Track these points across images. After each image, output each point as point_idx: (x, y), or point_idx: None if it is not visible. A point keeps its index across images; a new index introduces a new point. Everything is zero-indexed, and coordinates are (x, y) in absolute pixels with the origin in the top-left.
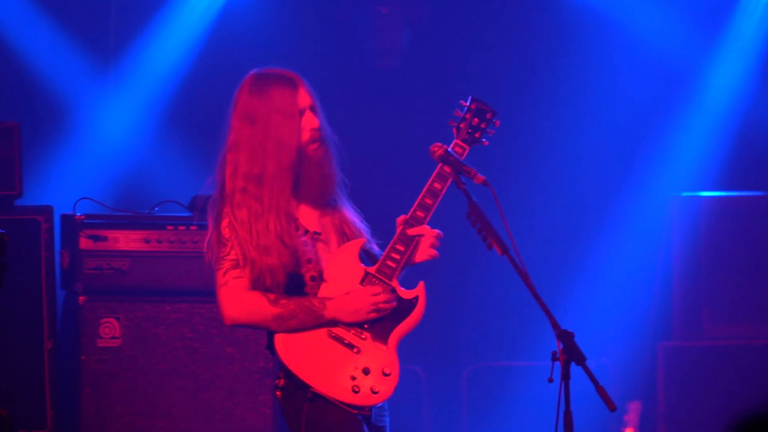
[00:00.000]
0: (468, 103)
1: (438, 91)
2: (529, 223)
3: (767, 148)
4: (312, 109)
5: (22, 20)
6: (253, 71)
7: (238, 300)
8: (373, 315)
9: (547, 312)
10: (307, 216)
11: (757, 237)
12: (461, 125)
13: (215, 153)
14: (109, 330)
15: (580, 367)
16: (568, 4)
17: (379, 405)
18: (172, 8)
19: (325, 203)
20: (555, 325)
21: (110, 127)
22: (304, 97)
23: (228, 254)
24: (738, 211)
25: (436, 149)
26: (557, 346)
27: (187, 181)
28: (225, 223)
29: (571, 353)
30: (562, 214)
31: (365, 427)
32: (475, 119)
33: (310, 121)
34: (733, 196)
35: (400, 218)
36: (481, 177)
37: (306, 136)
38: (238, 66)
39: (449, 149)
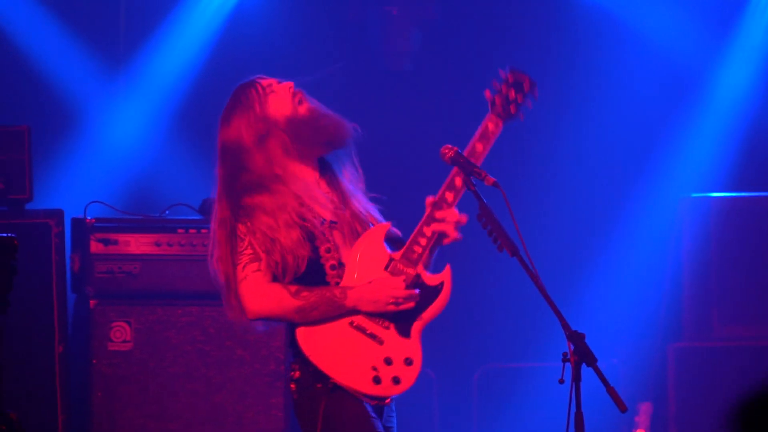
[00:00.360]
0: (505, 74)
1: (449, 92)
2: (539, 225)
3: None
4: (278, 83)
5: (32, 24)
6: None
7: (260, 293)
8: (391, 308)
9: (558, 313)
10: (322, 208)
11: (767, 237)
12: (496, 99)
13: None
14: (120, 334)
15: (590, 368)
16: (580, 5)
17: (407, 390)
18: (182, 10)
19: (341, 151)
20: (566, 326)
21: (120, 130)
22: (263, 80)
23: (245, 249)
24: (748, 212)
25: (446, 151)
26: (568, 347)
27: (198, 184)
28: (240, 219)
29: (582, 354)
30: (573, 215)
31: (380, 426)
32: (512, 91)
33: (282, 88)
34: (743, 197)
35: (429, 199)
36: (491, 179)
37: (287, 101)
38: (248, 68)
39: (459, 151)
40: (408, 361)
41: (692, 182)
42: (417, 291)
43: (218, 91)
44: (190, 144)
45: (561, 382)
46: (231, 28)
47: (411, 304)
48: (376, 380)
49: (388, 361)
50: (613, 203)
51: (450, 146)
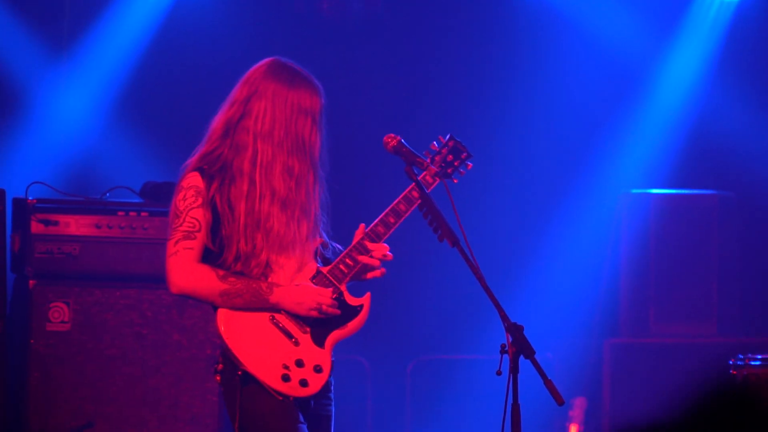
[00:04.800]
0: (446, 140)
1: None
2: (480, 217)
3: (718, 147)
4: (315, 118)
5: None
6: (275, 59)
7: (188, 270)
8: (313, 313)
9: (497, 305)
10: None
11: (706, 236)
12: (436, 158)
13: (167, 140)
14: (59, 314)
15: (528, 360)
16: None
17: (312, 395)
18: None
19: None
20: (504, 318)
21: (64, 113)
22: (316, 103)
23: (181, 225)
24: (687, 210)
25: (389, 140)
26: (506, 338)
27: (139, 167)
28: (180, 196)
29: (520, 346)
30: (513, 208)
31: (300, 416)
32: (450, 156)
33: (321, 130)
34: (682, 194)
35: (360, 229)
36: (433, 169)
37: (315, 145)
38: (190, 55)
39: (402, 140)
40: (317, 369)
41: (633, 178)
42: (337, 304)
43: (161, 77)
44: (132, 128)
45: (499, 373)
46: (174, 14)
47: (336, 312)
48: (285, 378)
49: (299, 363)
50: (553, 197)
51: (393, 135)
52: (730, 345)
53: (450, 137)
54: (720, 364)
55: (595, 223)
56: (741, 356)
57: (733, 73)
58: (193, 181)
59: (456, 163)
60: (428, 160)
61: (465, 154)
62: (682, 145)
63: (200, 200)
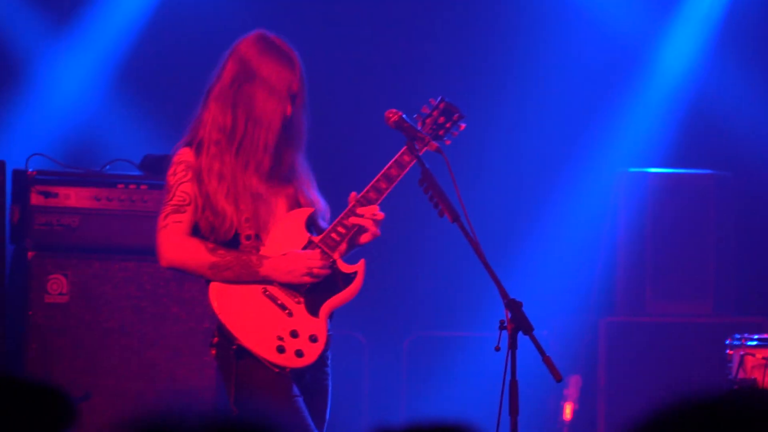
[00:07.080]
0: (437, 102)
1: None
2: (475, 194)
3: (716, 127)
4: (294, 98)
5: None
6: (260, 32)
7: (177, 243)
8: (306, 279)
9: (497, 281)
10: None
11: (703, 215)
12: (427, 120)
13: (168, 113)
14: (57, 286)
15: (526, 336)
16: None
17: (308, 365)
18: None
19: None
20: (504, 294)
21: (64, 85)
22: (296, 83)
23: (171, 200)
24: (685, 189)
25: (390, 115)
26: (505, 314)
27: (139, 140)
28: (171, 171)
29: (519, 322)
30: (509, 185)
31: (295, 388)
32: (442, 118)
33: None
34: (680, 174)
35: (353, 195)
36: (434, 144)
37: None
38: (192, 27)
39: (404, 115)
40: (313, 338)
41: (630, 157)
42: (329, 264)
43: (162, 48)
44: (132, 101)
45: (497, 349)
46: None
47: (327, 272)
48: (280, 349)
49: (294, 334)
50: (550, 175)
51: (395, 111)
52: (726, 324)
53: (441, 99)
54: (716, 344)
55: (592, 201)
56: (737, 336)
57: (732, 52)
58: (183, 156)
59: (448, 125)
60: (428, 136)
61: (457, 115)
62: (679, 124)
63: (190, 174)
